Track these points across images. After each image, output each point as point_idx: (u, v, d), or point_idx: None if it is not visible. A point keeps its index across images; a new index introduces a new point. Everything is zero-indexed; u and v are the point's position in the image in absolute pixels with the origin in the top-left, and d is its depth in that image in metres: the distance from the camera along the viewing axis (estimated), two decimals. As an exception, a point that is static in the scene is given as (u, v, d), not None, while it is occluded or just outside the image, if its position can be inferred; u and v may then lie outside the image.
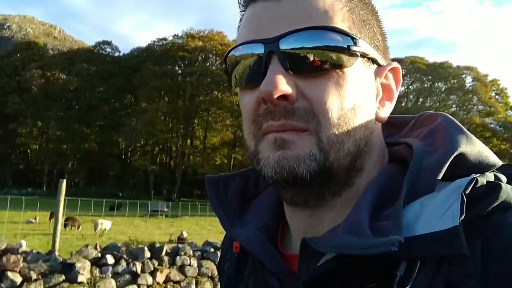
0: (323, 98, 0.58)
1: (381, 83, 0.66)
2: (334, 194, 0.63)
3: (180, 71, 70.71)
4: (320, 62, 0.58)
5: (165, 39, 76.29)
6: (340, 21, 0.60)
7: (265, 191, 0.79)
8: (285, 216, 0.72)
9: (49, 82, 69.99)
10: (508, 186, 0.57)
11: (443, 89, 71.50)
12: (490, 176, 0.59)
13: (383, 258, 0.54)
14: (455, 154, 0.61)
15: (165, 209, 35.16)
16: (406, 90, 72.97)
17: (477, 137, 0.65)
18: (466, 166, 0.62)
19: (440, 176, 0.60)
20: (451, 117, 0.69)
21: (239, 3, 0.68)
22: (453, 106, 69.10)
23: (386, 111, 0.67)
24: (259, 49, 0.60)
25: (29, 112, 67.79)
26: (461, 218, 0.52)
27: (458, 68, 70.73)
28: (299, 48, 0.58)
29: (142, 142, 71.65)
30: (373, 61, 0.64)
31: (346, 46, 0.59)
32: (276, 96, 0.57)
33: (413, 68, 71.88)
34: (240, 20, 0.68)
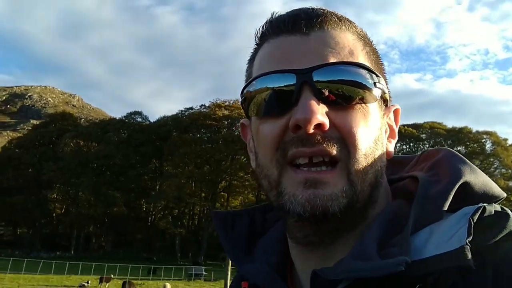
0: (353, 128, 0.61)
1: (387, 122, 0.71)
2: (351, 228, 0.65)
3: (206, 138, 73.83)
4: (349, 95, 0.62)
5: (191, 108, 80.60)
6: (363, 60, 0.65)
7: (271, 229, 0.80)
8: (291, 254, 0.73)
9: (82, 150, 73.76)
10: None
11: (463, 153, 72.43)
12: (497, 207, 0.60)
13: (395, 283, 0.54)
14: (459, 183, 0.63)
15: (205, 273, 36.50)
16: (427, 154, 74.07)
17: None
18: (472, 196, 0.64)
19: (446, 205, 0.62)
20: (453, 150, 0.72)
21: (255, 35, 0.71)
22: (475, 169, 69.36)
23: (391, 148, 0.71)
24: (290, 80, 0.62)
25: (62, 179, 70.98)
26: (468, 240, 0.53)
27: (477, 133, 72.36)
28: (331, 80, 0.61)
29: (170, 206, 73.31)
30: (384, 100, 0.68)
31: (372, 82, 0.64)
32: (314, 123, 0.59)
33: (432, 133, 73.80)
34: (254, 52, 0.71)
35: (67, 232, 75.32)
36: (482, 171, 0.65)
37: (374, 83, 0.64)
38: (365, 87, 0.63)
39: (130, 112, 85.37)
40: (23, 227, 77.90)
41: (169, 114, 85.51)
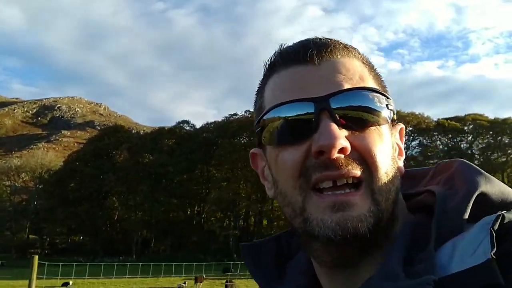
0: (372, 149, 0.63)
1: (395, 141, 0.72)
2: (377, 247, 0.64)
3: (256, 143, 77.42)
4: (366, 119, 0.64)
5: (236, 114, 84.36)
6: (372, 84, 0.68)
7: (299, 253, 0.80)
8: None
9: (138, 161, 78.11)
10: None
11: (508, 143, 73.91)
12: None
13: None
14: (476, 194, 0.64)
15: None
16: (469, 146, 76.30)
17: None
18: (490, 205, 0.64)
19: (466, 216, 0.62)
20: (467, 161, 0.72)
21: (264, 66, 0.72)
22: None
23: (401, 164, 0.72)
24: (307, 108, 0.64)
25: (122, 188, 75.57)
26: (493, 252, 0.52)
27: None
28: (348, 106, 0.63)
29: (223, 208, 77.11)
30: (392, 120, 0.69)
31: (384, 105, 0.66)
32: (338, 148, 0.60)
33: (475, 125, 75.25)
34: (263, 83, 0.73)
35: (127, 238, 79.91)
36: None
37: (386, 105, 0.66)
38: (378, 110, 0.65)
39: (179, 121, 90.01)
40: (86, 235, 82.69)
41: (212, 120, 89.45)
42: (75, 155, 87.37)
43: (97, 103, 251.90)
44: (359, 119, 0.64)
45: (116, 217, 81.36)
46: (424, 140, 79.16)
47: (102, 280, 35.02)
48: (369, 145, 0.63)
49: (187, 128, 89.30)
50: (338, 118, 0.63)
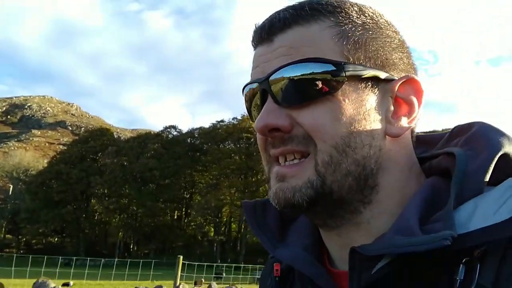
0: (315, 123, 0.62)
1: (395, 98, 0.67)
2: (353, 212, 0.65)
3: (244, 150, 79.48)
4: (307, 92, 0.63)
5: (223, 121, 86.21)
6: (327, 50, 0.64)
7: (302, 215, 0.80)
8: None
9: (124, 164, 78.64)
10: None
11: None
12: None
13: (439, 261, 0.55)
14: (499, 155, 0.62)
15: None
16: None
17: None
18: None
19: (487, 178, 0.61)
20: (487, 122, 0.70)
21: (252, 45, 0.74)
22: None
23: (402, 126, 0.67)
24: (257, 89, 0.68)
25: (109, 191, 75.91)
26: None
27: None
28: (287, 82, 0.63)
29: (210, 214, 78.58)
30: (375, 79, 0.65)
31: (329, 73, 0.62)
32: (266, 130, 0.64)
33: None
34: None
35: (110, 241, 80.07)
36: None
37: (332, 72, 0.62)
38: (322, 79, 0.62)
39: (166, 126, 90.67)
40: (68, 237, 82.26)
41: (197, 126, 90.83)
42: (59, 156, 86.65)
43: (68, 103, 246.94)
44: (300, 92, 0.63)
45: (100, 219, 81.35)
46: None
47: (100, 282, 35.64)
48: (312, 119, 0.63)
49: (174, 133, 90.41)
50: (278, 97, 0.64)
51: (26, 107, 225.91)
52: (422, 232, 0.56)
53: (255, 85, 0.68)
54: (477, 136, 0.68)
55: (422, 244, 0.53)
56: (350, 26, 0.66)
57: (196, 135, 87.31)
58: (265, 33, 0.68)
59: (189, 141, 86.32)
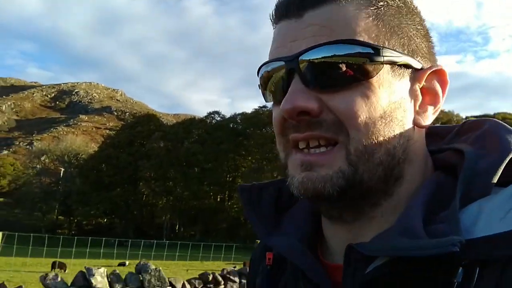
0: (348, 109, 0.58)
1: (421, 88, 0.64)
2: (373, 205, 0.62)
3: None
4: (341, 75, 0.58)
5: (265, 106, 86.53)
6: (364, 32, 0.59)
7: (300, 201, 0.76)
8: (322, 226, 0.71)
9: (170, 149, 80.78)
10: None
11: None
12: None
13: (439, 263, 0.51)
14: (510, 156, 0.60)
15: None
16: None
17: None
18: None
19: (495, 180, 0.59)
20: (499, 121, 0.68)
21: (271, 20, 0.68)
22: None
23: (428, 116, 0.65)
24: (282, 67, 0.62)
25: (156, 175, 78.33)
26: None
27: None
28: (320, 63, 0.58)
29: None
30: (407, 66, 0.62)
31: (367, 57, 0.58)
32: (295, 113, 0.59)
33: (505, 123, 77.09)
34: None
35: (157, 222, 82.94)
36: None
37: (370, 56, 0.58)
38: (359, 63, 0.58)
39: (209, 112, 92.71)
40: (117, 218, 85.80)
41: (236, 111, 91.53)
42: (108, 141, 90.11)
43: (113, 89, 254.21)
44: (334, 76, 0.58)
45: (147, 201, 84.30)
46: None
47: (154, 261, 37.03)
48: (345, 105, 0.58)
49: (218, 118, 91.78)
50: (308, 78, 0.59)
51: (73, 93, 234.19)
52: (426, 233, 0.53)
53: (278, 64, 0.63)
54: (488, 135, 0.65)
55: (428, 248, 0.50)
56: (386, 9, 0.62)
57: (239, 120, 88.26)
58: (295, 7, 0.62)
59: (231, 126, 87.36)
